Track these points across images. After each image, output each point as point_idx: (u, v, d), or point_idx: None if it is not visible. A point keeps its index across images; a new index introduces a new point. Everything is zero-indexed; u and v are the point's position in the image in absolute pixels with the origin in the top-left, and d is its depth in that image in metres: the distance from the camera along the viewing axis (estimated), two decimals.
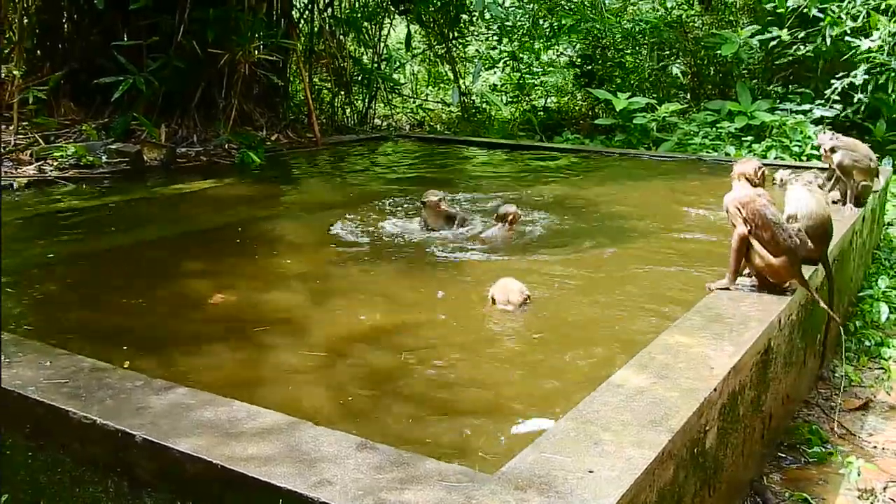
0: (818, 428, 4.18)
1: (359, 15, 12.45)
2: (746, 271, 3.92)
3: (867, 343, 5.41)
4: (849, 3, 10.44)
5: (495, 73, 16.06)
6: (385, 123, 13.72)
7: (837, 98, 10.71)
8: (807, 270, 3.95)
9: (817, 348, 4.73)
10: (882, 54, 9.92)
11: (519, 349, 3.74)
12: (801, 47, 11.10)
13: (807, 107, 11.10)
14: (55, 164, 7.81)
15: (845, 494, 3.62)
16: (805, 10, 10.56)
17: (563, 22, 13.14)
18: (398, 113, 14.44)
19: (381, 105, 14.05)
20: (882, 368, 5.01)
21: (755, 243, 3.77)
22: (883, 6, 10.08)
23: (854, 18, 10.23)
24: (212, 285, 4.55)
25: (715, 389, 2.75)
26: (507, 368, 3.49)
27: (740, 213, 3.76)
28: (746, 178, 3.88)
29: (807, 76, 11.85)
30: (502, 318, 4.06)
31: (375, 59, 13.28)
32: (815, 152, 10.06)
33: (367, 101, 13.24)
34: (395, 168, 9.20)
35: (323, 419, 2.73)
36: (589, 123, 13.27)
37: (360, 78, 12.92)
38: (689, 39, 13.65)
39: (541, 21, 13.76)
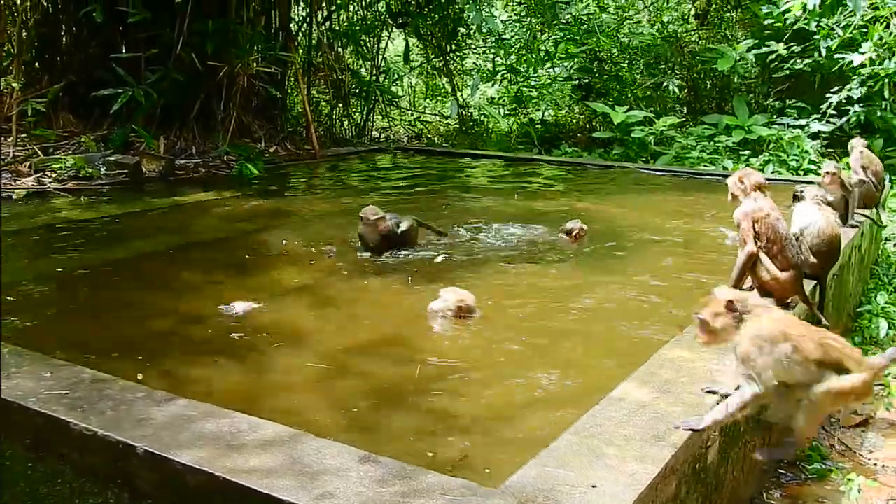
0: (818, 444, 4.17)
1: (357, 28, 12.49)
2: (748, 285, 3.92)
3: None
4: (841, 16, 10.50)
5: (493, 85, 16.11)
6: (383, 136, 13.75)
7: (834, 112, 10.76)
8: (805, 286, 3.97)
9: None
10: (874, 64, 9.97)
11: (513, 360, 3.73)
12: (798, 61, 11.15)
13: (804, 121, 11.14)
14: (54, 175, 7.80)
15: None
16: (804, 25, 10.60)
17: (561, 35, 13.18)
18: (396, 125, 14.47)
19: (380, 117, 14.08)
20: (881, 385, 5.01)
21: (763, 257, 3.78)
22: (873, 17, 10.13)
23: (846, 30, 10.28)
24: (212, 297, 4.54)
25: (717, 404, 2.75)
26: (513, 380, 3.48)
27: (753, 227, 3.76)
28: (760, 190, 3.88)
29: (804, 90, 11.90)
30: (498, 330, 4.06)
31: (374, 72, 13.32)
32: (811, 167, 10.13)
33: (365, 113, 13.27)
34: (393, 180, 9.21)
35: (324, 431, 2.72)
36: (587, 136, 13.31)
37: (358, 90, 12.96)
38: (685, 54, 13.72)
39: (538, 35, 13.81)
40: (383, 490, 2.16)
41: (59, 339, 3.78)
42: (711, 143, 11.33)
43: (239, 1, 9.34)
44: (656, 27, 14.02)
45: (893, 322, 5.96)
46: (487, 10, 11.55)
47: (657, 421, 2.59)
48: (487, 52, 15.51)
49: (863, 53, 9.87)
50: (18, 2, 9.52)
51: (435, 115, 15.53)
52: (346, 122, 13.06)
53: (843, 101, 10.56)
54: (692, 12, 15.08)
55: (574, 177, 9.48)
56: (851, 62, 9.98)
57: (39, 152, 8.39)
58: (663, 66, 13.62)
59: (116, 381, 2.90)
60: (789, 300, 3.83)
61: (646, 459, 2.33)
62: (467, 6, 11.97)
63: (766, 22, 11.74)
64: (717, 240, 5.98)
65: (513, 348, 3.84)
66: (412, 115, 15.24)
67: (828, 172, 5.69)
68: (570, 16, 13.55)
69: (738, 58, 12.04)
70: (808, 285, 4.08)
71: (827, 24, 10.57)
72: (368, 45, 13.07)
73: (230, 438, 2.45)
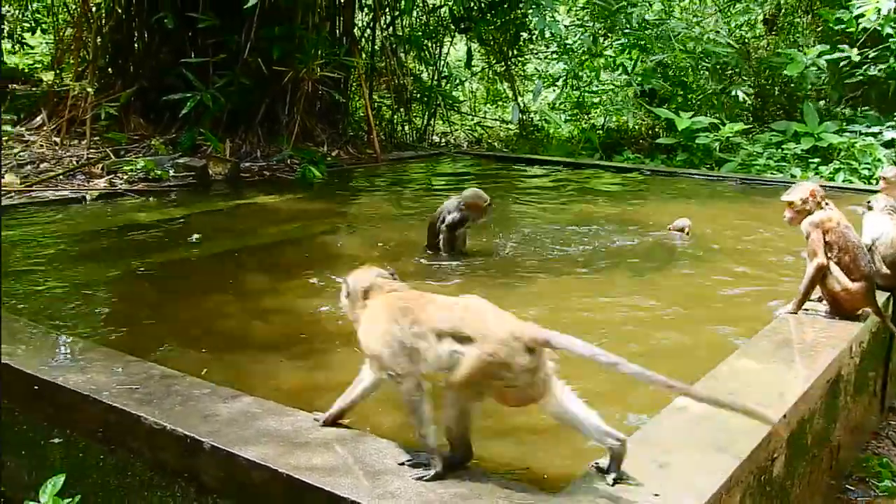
0: (889, 461, 4.04)
1: (420, 33, 12.58)
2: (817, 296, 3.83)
3: None
4: None
5: (554, 91, 16.05)
6: (443, 140, 13.80)
7: None
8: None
9: (887, 378, 4.59)
10: None
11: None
12: (872, 67, 10.83)
13: (877, 129, 10.81)
14: (125, 177, 8.04)
15: None
16: (878, 29, 10.29)
17: (625, 41, 13.03)
18: (457, 130, 14.50)
19: (440, 122, 14.14)
20: None
21: (833, 268, 3.69)
22: None
23: None
24: (273, 297, 4.63)
25: (784, 416, 2.69)
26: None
27: (824, 237, 3.68)
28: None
29: (877, 97, 11.56)
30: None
31: (435, 77, 13.39)
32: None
33: (426, 118, 13.35)
34: (454, 184, 9.23)
35: (384, 431, 2.74)
36: (649, 142, 13.15)
37: (419, 95, 13.04)
38: (752, 60, 13.45)
39: (601, 39, 13.69)
40: (443, 491, 2.17)
41: (129, 335, 3.89)
42: (779, 150, 11.08)
43: (305, 7, 9.49)
44: (723, 33, 13.75)
45: None
46: (550, 15, 11.50)
47: (720, 431, 2.54)
48: (549, 57, 15.45)
49: None
50: (94, 9, 9.84)
51: (495, 120, 15.53)
52: (407, 127, 13.15)
53: None
54: (761, 18, 14.77)
55: (641, 183, 9.37)
56: None
57: (111, 155, 8.66)
58: (730, 72, 13.38)
59: (184, 377, 2.97)
60: (860, 311, 3.73)
61: (710, 470, 2.30)
62: (530, 11, 11.94)
63: (837, 27, 11.45)
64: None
65: None
66: (473, 119, 15.27)
67: (883, 178, 5.47)
68: (635, 21, 13.40)
69: (808, 63, 11.75)
70: (881, 297, 3.96)
71: None
72: (431, 50, 13.15)
73: (293, 436, 2.49)
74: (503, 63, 13.94)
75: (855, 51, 10.82)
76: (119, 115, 9.35)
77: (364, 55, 11.52)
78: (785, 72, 11.99)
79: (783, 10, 14.77)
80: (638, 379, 2.23)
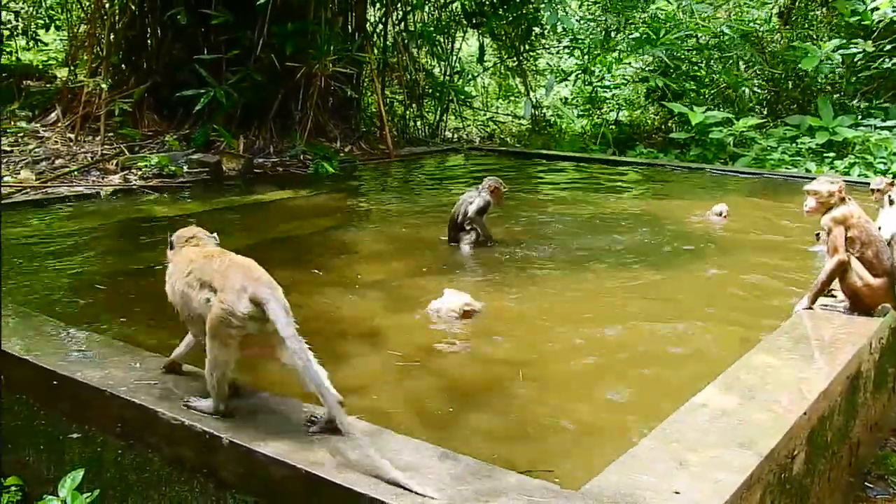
0: None
1: (432, 29, 12.56)
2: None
3: None
4: None
5: (566, 86, 15.99)
6: (456, 136, 13.79)
7: None
8: None
9: None
10: None
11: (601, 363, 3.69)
12: (887, 60, 10.74)
13: (892, 122, 10.72)
14: (139, 173, 8.07)
15: None
16: (894, 21, 10.20)
17: (638, 33, 12.96)
18: (469, 125, 14.49)
19: (453, 117, 14.12)
20: None
21: (855, 263, 3.65)
22: None
23: None
24: (288, 293, 4.62)
25: (804, 413, 2.67)
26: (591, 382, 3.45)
27: (846, 232, 3.64)
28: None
29: (893, 91, 11.46)
30: (586, 331, 4.03)
31: (447, 72, 13.37)
32: None
33: (438, 113, 13.34)
34: (466, 180, 9.22)
35: (402, 427, 2.74)
36: (662, 137, 13.09)
37: (431, 91, 13.02)
38: (766, 53, 13.36)
39: (613, 34, 13.63)
40: (463, 488, 2.16)
41: (145, 330, 3.89)
42: (793, 144, 11.01)
43: (317, 2, 9.49)
44: (735, 26, 13.66)
45: None
46: (562, 9, 11.46)
47: (741, 428, 2.52)
48: (561, 52, 15.41)
49: None
50: (107, 6, 9.87)
51: (508, 115, 15.50)
52: (419, 122, 13.15)
53: None
54: (775, 11, 14.67)
55: (657, 177, 9.33)
56: None
57: (125, 151, 8.69)
58: (743, 66, 13.30)
59: (201, 373, 2.97)
60: (879, 307, 3.69)
61: (731, 467, 2.28)
62: (542, 6, 11.90)
63: (853, 20, 11.36)
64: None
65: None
66: (485, 115, 15.24)
67: (876, 190, 5.39)
68: (646, 15, 13.34)
69: (822, 57, 11.66)
70: None
71: None
72: (443, 45, 13.13)
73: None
74: (515, 58, 13.90)
75: (870, 44, 10.73)
76: (133, 111, 9.39)
77: (376, 51, 11.52)
78: (800, 65, 11.90)
79: (797, 4, 14.67)
80: (308, 385, 2.38)
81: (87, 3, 10.42)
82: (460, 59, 14.27)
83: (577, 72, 14.62)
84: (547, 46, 15.66)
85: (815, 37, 13.54)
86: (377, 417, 2.80)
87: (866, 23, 10.97)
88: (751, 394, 2.78)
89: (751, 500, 2.32)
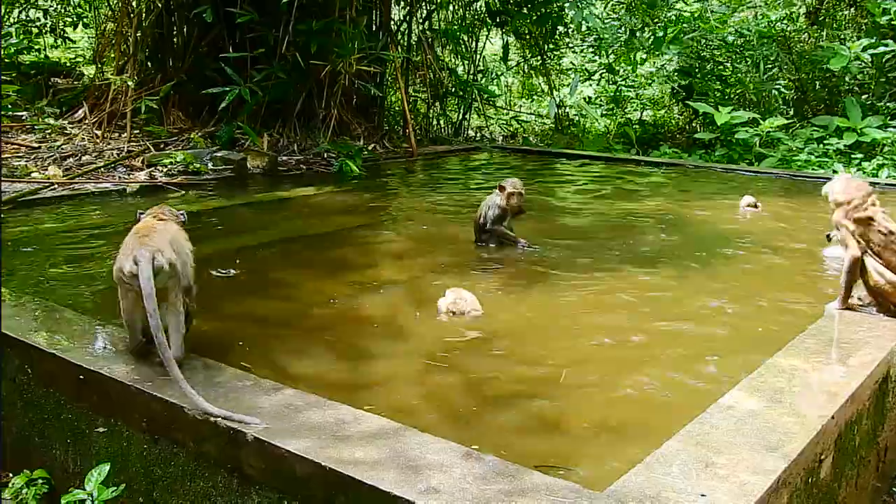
0: None
1: (456, 27, 12.55)
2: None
3: None
4: None
5: (590, 85, 15.92)
6: (479, 134, 13.77)
7: None
8: None
9: None
10: None
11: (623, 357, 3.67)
12: None
13: None
14: (164, 170, 8.13)
15: None
16: None
17: (665, 33, 12.85)
18: (492, 124, 14.47)
19: (476, 116, 14.11)
20: None
21: (874, 262, 3.62)
22: None
23: None
24: (312, 291, 4.65)
25: (832, 417, 2.64)
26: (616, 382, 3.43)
27: (863, 231, 3.61)
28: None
29: None
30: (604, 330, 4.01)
31: (471, 71, 13.35)
32: None
33: (461, 112, 13.33)
34: (489, 178, 9.21)
35: (424, 425, 2.73)
36: (687, 137, 12.99)
37: (455, 89, 13.02)
38: (793, 53, 13.22)
39: (639, 33, 13.54)
40: (487, 487, 2.15)
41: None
42: (821, 145, 10.88)
43: (342, 1, 9.51)
44: (763, 25, 13.52)
45: None
46: (587, 8, 11.40)
47: (768, 431, 2.50)
48: (586, 51, 15.34)
49: None
50: (134, 3, 9.95)
51: (531, 114, 15.45)
52: (442, 121, 13.14)
53: None
54: (802, 10, 14.50)
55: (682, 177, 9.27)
56: None
57: (151, 148, 8.77)
58: (770, 66, 13.16)
59: (227, 368, 2.99)
60: None
61: (757, 470, 2.25)
62: (567, 4, 11.86)
63: (882, 20, 11.20)
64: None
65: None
66: (508, 114, 15.21)
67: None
68: (671, 14, 13.24)
69: (851, 57, 11.51)
70: None
71: None
72: (466, 43, 13.12)
73: (335, 429, 2.49)
74: (539, 57, 13.86)
75: None
76: (159, 108, 9.45)
77: (400, 49, 11.52)
78: (828, 66, 11.75)
79: (825, 4, 14.49)
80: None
81: (115, 2, 10.52)
82: (484, 57, 14.26)
83: (602, 71, 14.55)
84: (571, 45, 15.60)
85: (843, 37, 13.38)
86: (401, 415, 2.80)
87: None
88: (778, 396, 2.75)
89: None
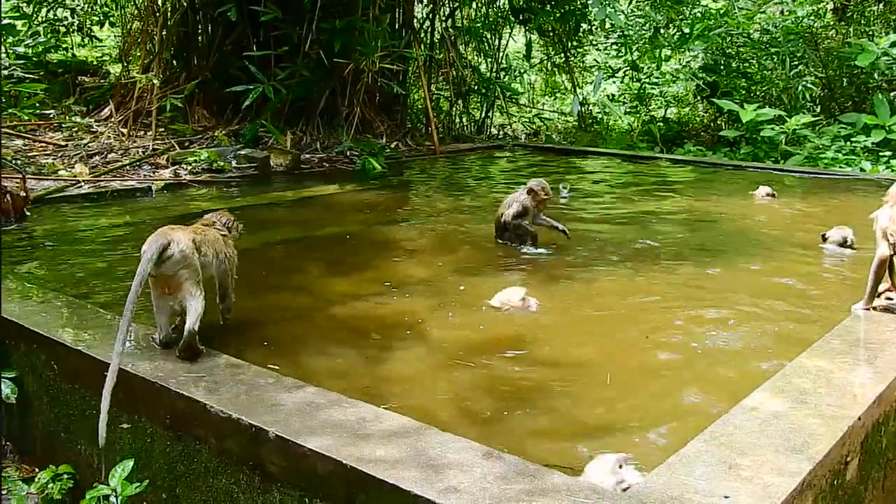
0: None
1: (479, 25, 12.53)
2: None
3: None
4: None
5: (614, 83, 15.83)
6: (502, 133, 13.75)
7: None
8: None
9: None
10: None
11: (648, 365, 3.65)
12: None
13: None
14: (189, 168, 8.20)
15: None
16: None
17: (692, 30, 12.73)
18: (515, 122, 14.43)
19: (499, 114, 14.08)
20: None
21: None
22: None
23: None
24: (334, 288, 4.67)
25: (859, 418, 2.60)
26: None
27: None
28: None
29: None
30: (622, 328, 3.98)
31: (494, 69, 13.33)
32: None
33: (484, 110, 13.31)
34: (512, 177, 9.19)
35: (444, 424, 2.73)
36: (712, 135, 12.88)
37: (478, 87, 13.00)
38: (820, 49, 13.05)
39: (663, 30, 13.43)
40: (508, 487, 2.15)
41: None
42: (848, 143, 10.74)
43: None
44: (789, 21, 13.36)
45: None
46: (611, 5, 11.33)
47: (792, 432, 2.47)
48: (609, 48, 15.25)
49: None
50: (160, 2, 10.04)
51: (554, 112, 15.39)
52: (465, 119, 13.13)
53: None
54: (829, 6, 14.32)
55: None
56: None
57: (176, 146, 8.84)
58: (796, 63, 13.01)
59: (249, 366, 3.01)
60: None
61: (782, 472, 2.23)
62: (590, 1, 11.79)
63: None
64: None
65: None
66: (531, 112, 15.17)
67: None
68: (696, 11, 13.12)
69: (879, 53, 11.33)
70: None
71: None
72: (489, 41, 13.09)
73: (357, 427, 2.50)
74: (562, 54, 13.80)
75: None
76: (184, 106, 9.54)
77: (423, 47, 11.53)
78: (856, 62, 11.58)
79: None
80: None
81: (141, 1, 10.61)
82: (507, 55, 14.22)
83: (626, 68, 14.46)
84: (595, 43, 15.52)
85: (871, 32, 13.18)
86: (422, 415, 2.80)
87: None
88: (803, 397, 2.72)
89: None
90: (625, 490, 2.25)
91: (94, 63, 12.25)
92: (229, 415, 2.61)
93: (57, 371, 3.29)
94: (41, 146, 8.54)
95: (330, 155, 9.55)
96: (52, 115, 9.56)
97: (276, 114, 9.64)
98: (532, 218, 5.58)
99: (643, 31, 13.67)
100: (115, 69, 11.52)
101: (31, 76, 8.17)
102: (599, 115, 14.62)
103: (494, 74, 13.22)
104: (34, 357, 3.38)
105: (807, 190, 8.35)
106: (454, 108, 12.92)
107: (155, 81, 9.33)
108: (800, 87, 12.29)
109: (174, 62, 10.37)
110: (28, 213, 6.06)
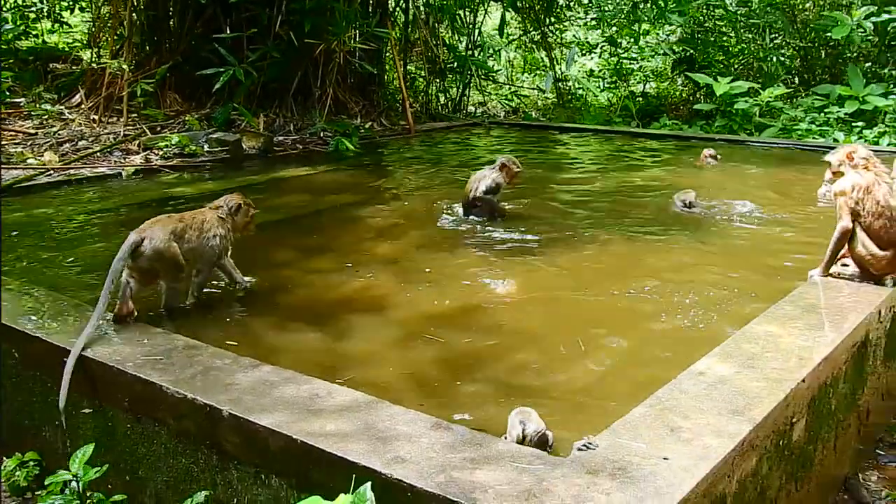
0: None
1: (453, 2, 12.46)
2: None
3: None
4: None
5: (592, 58, 15.81)
6: (479, 111, 13.72)
7: None
8: None
9: None
10: None
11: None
12: None
13: None
14: (160, 153, 8.16)
15: None
16: None
17: (666, 2, 12.68)
18: (492, 100, 14.40)
19: (475, 92, 14.04)
20: None
21: (860, 233, 3.62)
22: None
23: None
24: (303, 269, 4.69)
25: (803, 381, 2.65)
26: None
27: (856, 201, 3.61)
28: (867, 166, 3.73)
29: None
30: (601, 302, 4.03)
31: (469, 47, 13.28)
32: None
33: (460, 88, 13.26)
34: (486, 155, 9.20)
35: (399, 398, 2.77)
36: (688, 109, 12.91)
37: (453, 65, 12.95)
38: (797, 21, 13.06)
39: (641, 4, 13.38)
40: (453, 455, 2.19)
41: (155, 307, 3.94)
42: (822, 114, 10.80)
43: None
44: None
45: None
46: None
47: (737, 396, 2.52)
48: (588, 23, 15.21)
49: None
50: None
51: (532, 88, 15.37)
52: (441, 98, 13.10)
53: None
54: None
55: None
56: None
57: (147, 131, 8.79)
58: (774, 34, 13.01)
59: (207, 347, 3.03)
60: (888, 277, 3.65)
61: (722, 434, 2.28)
62: None
63: None
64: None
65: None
66: (508, 89, 15.14)
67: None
68: None
69: (854, 25, 11.35)
70: None
71: None
72: (464, 19, 13.03)
73: (309, 403, 2.53)
74: (539, 31, 13.76)
75: None
76: (155, 91, 9.46)
77: (397, 26, 11.46)
78: (830, 34, 11.61)
79: None
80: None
81: None
82: (483, 33, 14.16)
83: (603, 43, 14.43)
84: (573, 19, 15.46)
85: (847, 4, 13.20)
86: (377, 389, 2.84)
87: None
88: (750, 362, 2.77)
89: (744, 467, 2.32)
90: (524, 438, 2.45)
91: (65, 49, 12.11)
92: (185, 395, 2.64)
93: (18, 359, 3.30)
94: (10, 135, 8.47)
95: (303, 137, 9.52)
96: (22, 104, 9.47)
97: (249, 96, 9.58)
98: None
99: (621, 5, 13.62)
100: (86, 55, 11.40)
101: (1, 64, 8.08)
102: (578, 92, 14.60)
103: (469, 52, 13.18)
104: None
105: (762, 158, 8.44)
106: (430, 87, 12.88)
107: (125, 67, 9.25)
108: (774, 59, 12.32)
109: (145, 46, 10.27)
110: None
